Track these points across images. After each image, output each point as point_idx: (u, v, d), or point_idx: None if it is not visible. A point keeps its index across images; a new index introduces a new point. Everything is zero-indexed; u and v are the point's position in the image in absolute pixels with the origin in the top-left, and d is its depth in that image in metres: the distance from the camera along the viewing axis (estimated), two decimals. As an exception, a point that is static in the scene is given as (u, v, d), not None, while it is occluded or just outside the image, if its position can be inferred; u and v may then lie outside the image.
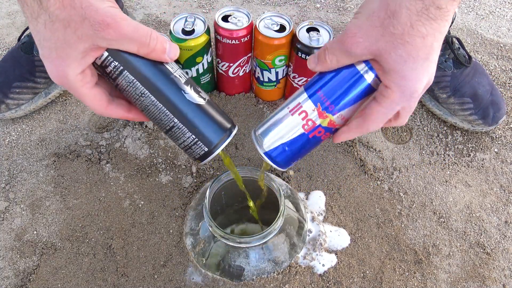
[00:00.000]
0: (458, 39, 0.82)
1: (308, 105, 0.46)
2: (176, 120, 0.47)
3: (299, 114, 0.47)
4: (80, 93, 0.42)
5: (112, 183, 0.76)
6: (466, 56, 0.81)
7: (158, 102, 0.46)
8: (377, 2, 0.36)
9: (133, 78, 0.44)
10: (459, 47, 0.81)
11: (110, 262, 0.68)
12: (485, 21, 1.05)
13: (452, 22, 0.79)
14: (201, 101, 0.48)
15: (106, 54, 0.43)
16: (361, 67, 0.43)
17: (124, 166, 0.78)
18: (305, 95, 0.47)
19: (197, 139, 0.48)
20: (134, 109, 0.48)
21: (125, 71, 0.44)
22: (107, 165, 0.78)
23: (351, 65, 0.43)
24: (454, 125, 0.83)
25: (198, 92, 0.48)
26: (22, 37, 0.84)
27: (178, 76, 0.47)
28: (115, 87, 0.46)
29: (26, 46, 0.81)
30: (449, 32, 0.81)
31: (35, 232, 0.72)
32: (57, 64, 0.39)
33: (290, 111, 0.48)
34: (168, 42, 0.43)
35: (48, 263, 0.69)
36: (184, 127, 0.47)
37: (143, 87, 0.45)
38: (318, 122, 0.46)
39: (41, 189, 0.76)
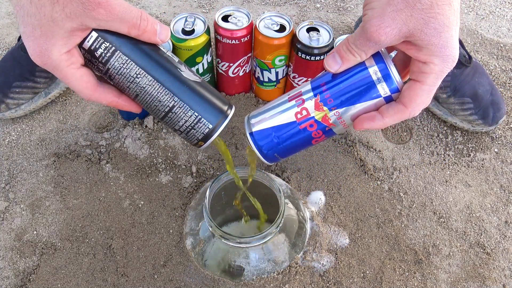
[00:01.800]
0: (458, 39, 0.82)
1: (308, 94, 0.45)
2: (176, 98, 0.45)
3: (296, 101, 0.45)
4: (65, 74, 0.39)
5: (112, 183, 0.76)
6: (467, 56, 0.81)
7: (155, 81, 0.44)
8: None
9: (126, 58, 0.42)
10: (459, 47, 0.81)
11: (110, 262, 0.68)
12: (485, 21, 1.05)
13: None
14: (197, 79, 0.46)
15: (95, 35, 0.41)
16: (373, 70, 0.42)
17: (124, 166, 0.78)
18: (308, 86, 0.46)
19: (200, 116, 0.46)
20: (124, 95, 0.46)
21: (118, 51, 0.42)
22: (107, 165, 0.78)
23: (363, 65, 0.42)
24: (454, 125, 0.83)
25: (192, 71, 0.47)
26: None
27: (171, 56, 0.46)
28: (104, 75, 0.44)
29: None
30: None
31: (35, 232, 0.72)
32: (40, 42, 0.37)
33: (288, 97, 0.46)
34: (158, 24, 0.42)
35: (48, 263, 0.69)
36: (185, 105, 0.45)
37: (138, 67, 0.43)
38: (312, 113, 0.44)
39: (41, 189, 0.76)
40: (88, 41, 0.41)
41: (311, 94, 0.45)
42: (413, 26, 0.36)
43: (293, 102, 0.46)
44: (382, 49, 0.42)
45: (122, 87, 0.45)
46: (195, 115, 0.46)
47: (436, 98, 0.83)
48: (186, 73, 0.46)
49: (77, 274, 0.68)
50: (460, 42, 0.82)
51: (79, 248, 0.70)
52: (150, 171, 0.78)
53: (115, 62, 0.42)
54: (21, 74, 0.80)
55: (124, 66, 0.43)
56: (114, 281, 0.67)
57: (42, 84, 0.83)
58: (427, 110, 0.87)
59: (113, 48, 0.42)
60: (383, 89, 0.42)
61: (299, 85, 0.79)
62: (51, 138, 0.82)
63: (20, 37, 0.84)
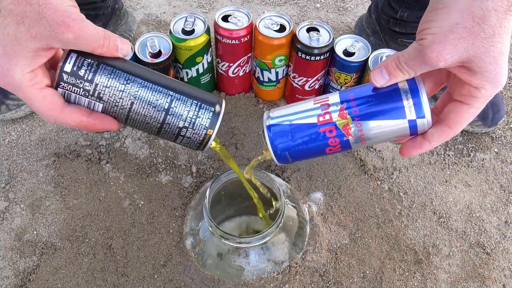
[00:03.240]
0: None
1: (334, 99, 0.45)
2: (171, 92, 0.44)
3: (321, 104, 0.45)
4: (27, 94, 0.38)
5: (112, 183, 0.76)
6: None
7: (147, 81, 0.44)
8: (456, 13, 0.36)
9: (111, 68, 0.42)
10: None
11: (110, 262, 0.68)
12: (485, 21, 1.05)
13: None
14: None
15: (74, 55, 0.41)
16: (403, 91, 0.42)
17: (124, 166, 0.78)
18: (337, 94, 0.46)
19: (200, 103, 0.46)
20: (95, 113, 0.43)
21: (101, 64, 0.42)
22: (107, 165, 0.78)
23: (395, 84, 0.43)
24: None
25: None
26: None
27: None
28: (92, 95, 0.43)
29: None
30: None
31: (35, 232, 0.72)
32: (2, 62, 0.36)
33: (314, 101, 0.47)
34: (119, 39, 0.42)
35: (48, 263, 0.69)
36: (184, 96, 0.45)
37: (125, 73, 0.43)
38: (334, 119, 0.44)
39: (41, 189, 0.76)
40: (69, 63, 0.41)
41: (338, 101, 0.45)
42: (474, 53, 0.37)
43: (318, 105, 0.46)
44: None
45: (114, 101, 0.44)
46: (195, 103, 0.45)
47: (435, 99, 0.83)
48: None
49: (77, 274, 0.68)
50: None
51: (79, 248, 0.70)
52: (150, 171, 0.78)
53: (101, 75, 0.42)
54: None
55: (112, 76, 0.42)
56: (114, 281, 0.67)
57: None
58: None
59: (96, 62, 0.42)
60: (410, 112, 0.42)
61: (299, 85, 0.79)
62: (51, 138, 0.82)
63: None
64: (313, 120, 0.45)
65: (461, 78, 0.40)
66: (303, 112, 0.46)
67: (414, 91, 0.42)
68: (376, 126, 0.44)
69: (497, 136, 0.84)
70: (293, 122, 0.46)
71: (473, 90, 0.40)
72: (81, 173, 0.77)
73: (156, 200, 0.74)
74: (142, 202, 0.74)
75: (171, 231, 0.71)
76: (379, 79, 0.42)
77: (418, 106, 0.42)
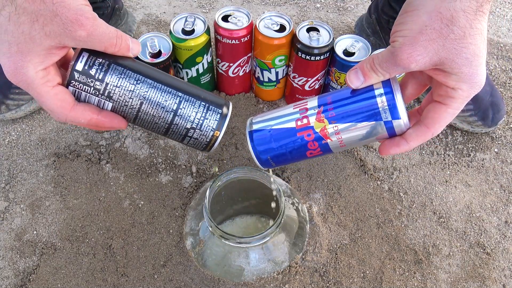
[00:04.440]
0: None
1: (312, 104, 0.46)
2: (181, 93, 0.45)
3: (300, 109, 0.46)
4: (39, 92, 0.39)
5: (112, 183, 0.76)
6: None
7: (157, 82, 0.44)
8: (425, 15, 0.36)
9: (122, 68, 0.43)
10: None
11: (110, 262, 0.68)
12: (485, 21, 1.05)
13: None
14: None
15: (86, 54, 0.42)
16: (378, 93, 0.42)
17: (124, 166, 0.78)
18: (315, 98, 0.47)
19: (208, 105, 0.46)
20: (104, 111, 0.44)
21: (112, 64, 0.42)
22: (107, 165, 0.78)
23: (370, 87, 0.43)
24: (454, 125, 0.83)
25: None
26: None
27: None
28: (102, 94, 0.43)
29: None
30: None
31: (35, 232, 0.72)
32: (16, 59, 0.37)
33: (294, 106, 0.47)
34: (130, 40, 0.42)
35: (48, 263, 0.69)
36: (192, 98, 0.46)
37: (136, 73, 0.43)
38: (312, 122, 0.45)
39: (41, 189, 0.76)
40: (81, 61, 0.41)
41: (316, 105, 0.46)
42: (445, 55, 0.37)
43: (297, 110, 0.46)
44: None
45: (124, 101, 0.44)
46: (203, 104, 0.46)
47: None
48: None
49: (77, 274, 0.68)
50: None
51: (79, 248, 0.70)
52: (150, 171, 0.78)
53: (112, 74, 0.43)
54: None
55: (122, 76, 0.43)
56: (114, 281, 0.67)
57: None
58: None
59: (107, 62, 0.42)
60: (385, 114, 0.43)
61: (299, 85, 0.79)
62: (51, 138, 0.82)
63: None
64: (292, 124, 0.46)
65: (438, 80, 0.40)
66: (283, 117, 0.47)
67: (388, 94, 0.42)
68: (353, 129, 0.44)
69: (497, 136, 0.84)
70: (273, 127, 0.47)
71: (450, 90, 0.40)
72: (81, 173, 0.77)
73: (156, 200, 0.74)
74: (142, 202, 0.74)
75: (171, 231, 0.71)
76: (354, 81, 0.43)
77: (393, 108, 0.42)
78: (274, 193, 0.60)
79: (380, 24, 0.88)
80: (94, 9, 0.90)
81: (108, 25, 0.40)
